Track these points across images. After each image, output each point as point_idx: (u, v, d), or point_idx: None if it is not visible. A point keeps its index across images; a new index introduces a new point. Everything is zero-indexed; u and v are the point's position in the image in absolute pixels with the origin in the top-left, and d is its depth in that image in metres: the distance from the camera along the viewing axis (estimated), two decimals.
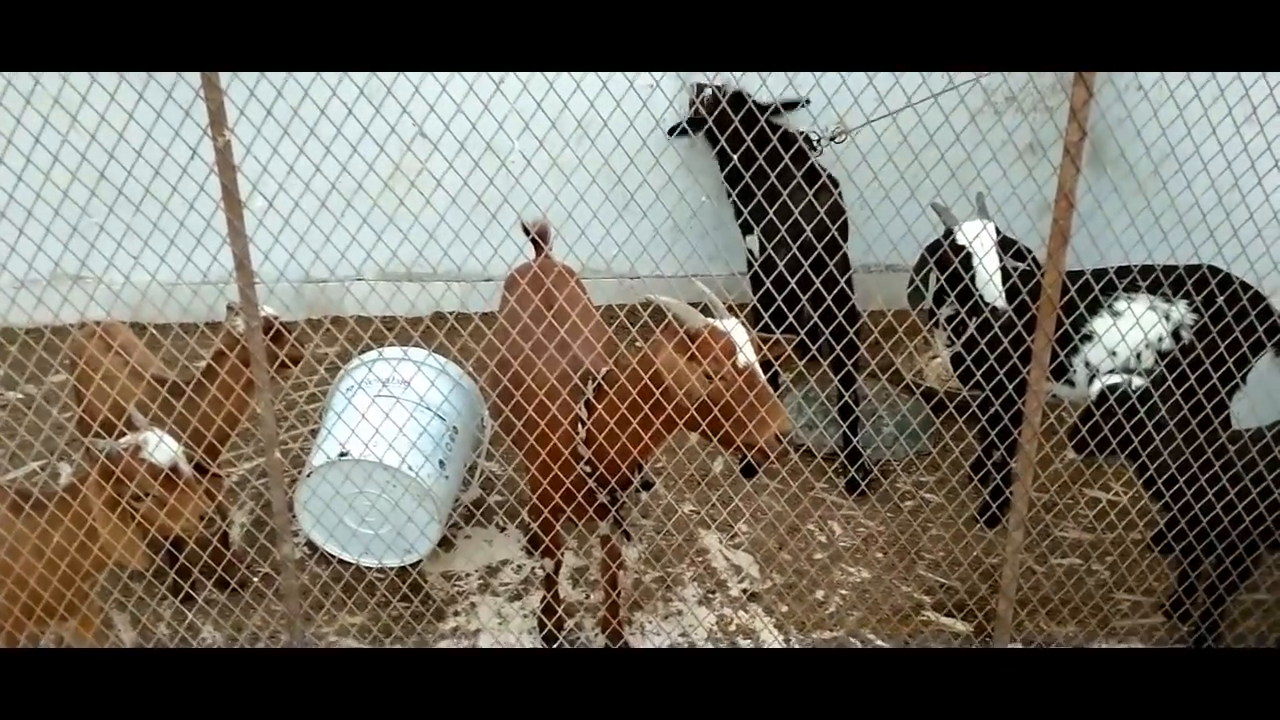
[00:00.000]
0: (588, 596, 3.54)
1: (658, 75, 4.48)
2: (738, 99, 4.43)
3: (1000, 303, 3.43)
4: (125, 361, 3.23)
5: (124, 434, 2.72)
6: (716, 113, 4.45)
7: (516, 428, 2.97)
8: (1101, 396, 3.03)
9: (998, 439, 3.52)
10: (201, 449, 3.02)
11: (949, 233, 3.54)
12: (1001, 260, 3.45)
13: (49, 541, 2.66)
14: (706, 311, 2.77)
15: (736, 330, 2.65)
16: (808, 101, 4.32)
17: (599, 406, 2.78)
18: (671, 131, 4.71)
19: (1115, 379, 3.05)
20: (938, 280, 3.57)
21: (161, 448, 2.62)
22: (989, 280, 3.42)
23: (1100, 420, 3.01)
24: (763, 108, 4.35)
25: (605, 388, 2.79)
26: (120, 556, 2.62)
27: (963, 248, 3.48)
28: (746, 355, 2.63)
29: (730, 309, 2.79)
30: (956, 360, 3.63)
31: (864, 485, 3.85)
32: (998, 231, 3.51)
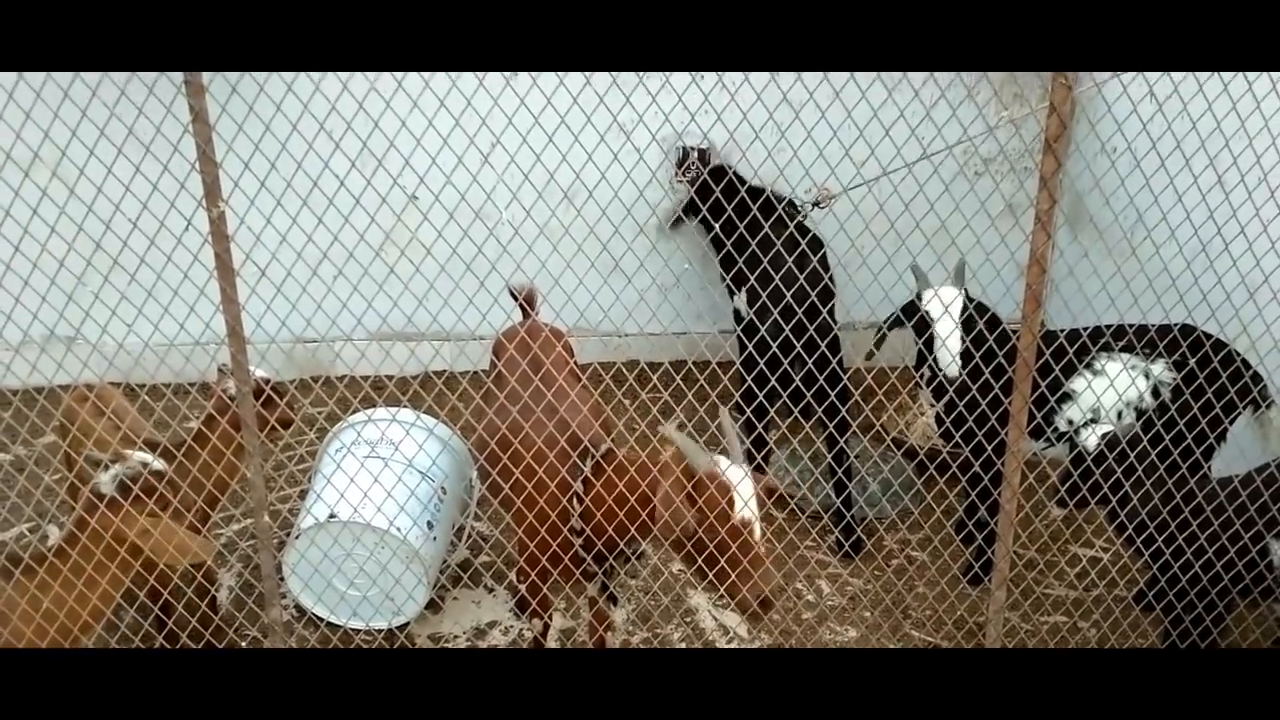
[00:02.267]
0: None
1: (640, 143, 4.60)
2: (718, 172, 4.55)
3: (953, 370, 3.44)
4: (117, 426, 3.26)
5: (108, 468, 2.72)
6: (699, 184, 4.57)
7: (504, 490, 3.00)
8: (1102, 445, 3.07)
9: (979, 498, 3.57)
10: (192, 513, 3.04)
11: (919, 296, 3.61)
12: (956, 329, 3.45)
13: (39, 604, 2.66)
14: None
15: (741, 481, 2.65)
16: (792, 203, 4.37)
17: (597, 485, 2.81)
18: (674, 225, 4.83)
19: (1109, 428, 3.11)
20: (916, 342, 3.64)
21: (156, 463, 2.66)
22: (943, 346, 3.45)
23: (1094, 469, 3.06)
24: (743, 180, 4.46)
25: (604, 466, 2.81)
26: (188, 555, 2.61)
27: (921, 313, 3.54)
28: (745, 510, 2.63)
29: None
30: (939, 420, 3.69)
31: (848, 546, 3.88)
32: (969, 299, 3.54)
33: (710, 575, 2.65)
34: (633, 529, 2.80)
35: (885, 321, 3.67)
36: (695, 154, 4.75)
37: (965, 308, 3.49)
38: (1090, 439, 3.12)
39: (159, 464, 2.67)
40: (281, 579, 3.71)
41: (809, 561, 3.95)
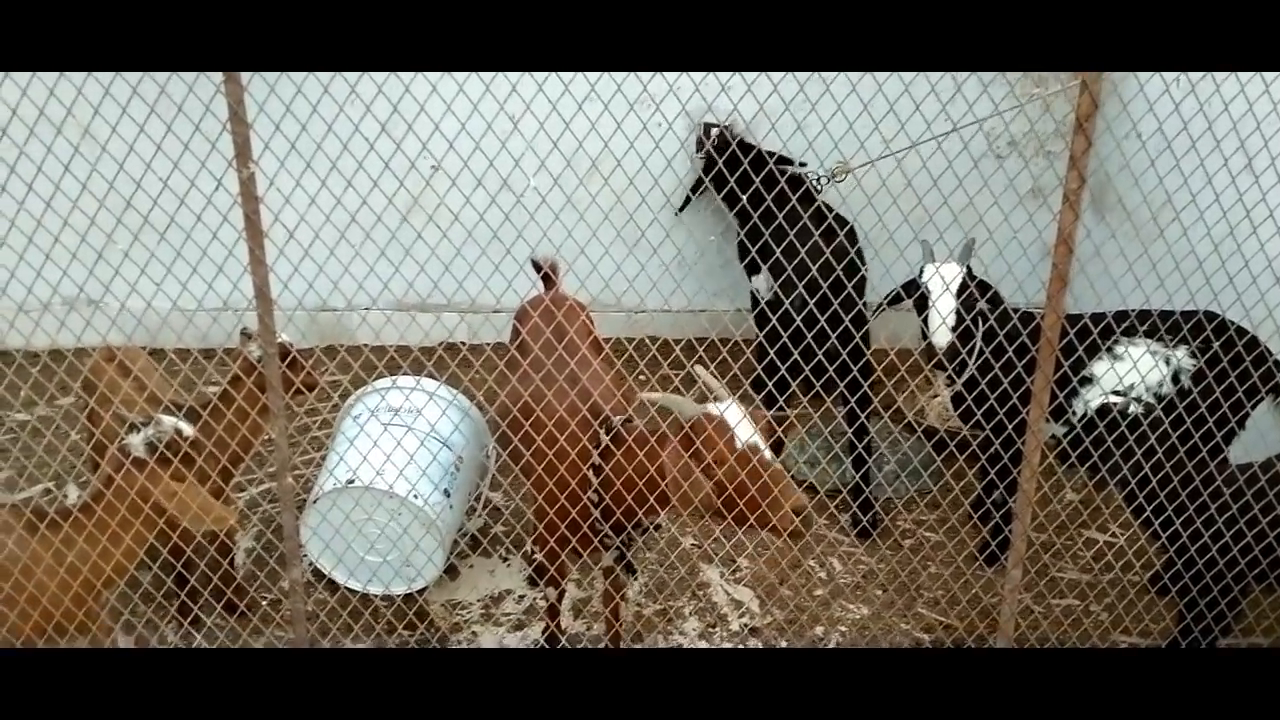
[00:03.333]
0: (589, 628, 3.57)
1: (669, 115, 4.59)
2: (743, 146, 4.53)
3: (940, 338, 3.40)
4: (142, 386, 3.29)
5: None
6: (726, 154, 4.55)
7: (525, 457, 3.02)
8: (1099, 412, 3.07)
9: (997, 478, 3.57)
10: (215, 475, 3.07)
11: (922, 271, 3.60)
12: (948, 300, 3.43)
13: (63, 559, 2.70)
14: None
15: (730, 412, 2.67)
16: (803, 164, 4.38)
17: (617, 454, 2.83)
18: (682, 208, 4.82)
19: (1112, 399, 3.10)
20: (916, 317, 3.63)
21: (185, 427, 2.69)
22: (938, 323, 3.44)
23: (1085, 435, 3.06)
24: (748, 148, 4.45)
25: (624, 435, 2.82)
26: (211, 518, 2.64)
27: (920, 287, 3.54)
28: (744, 436, 2.63)
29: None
30: (957, 399, 3.69)
31: (865, 522, 3.89)
32: (971, 277, 3.53)
33: (742, 510, 2.61)
34: (651, 499, 2.82)
35: (886, 297, 3.66)
36: (715, 131, 4.72)
37: (965, 285, 3.46)
38: (1086, 406, 3.11)
39: (188, 428, 2.69)
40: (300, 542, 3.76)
41: (822, 539, 3.96)
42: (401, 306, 4.94)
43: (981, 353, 3.49)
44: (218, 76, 2.21)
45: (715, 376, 2.86)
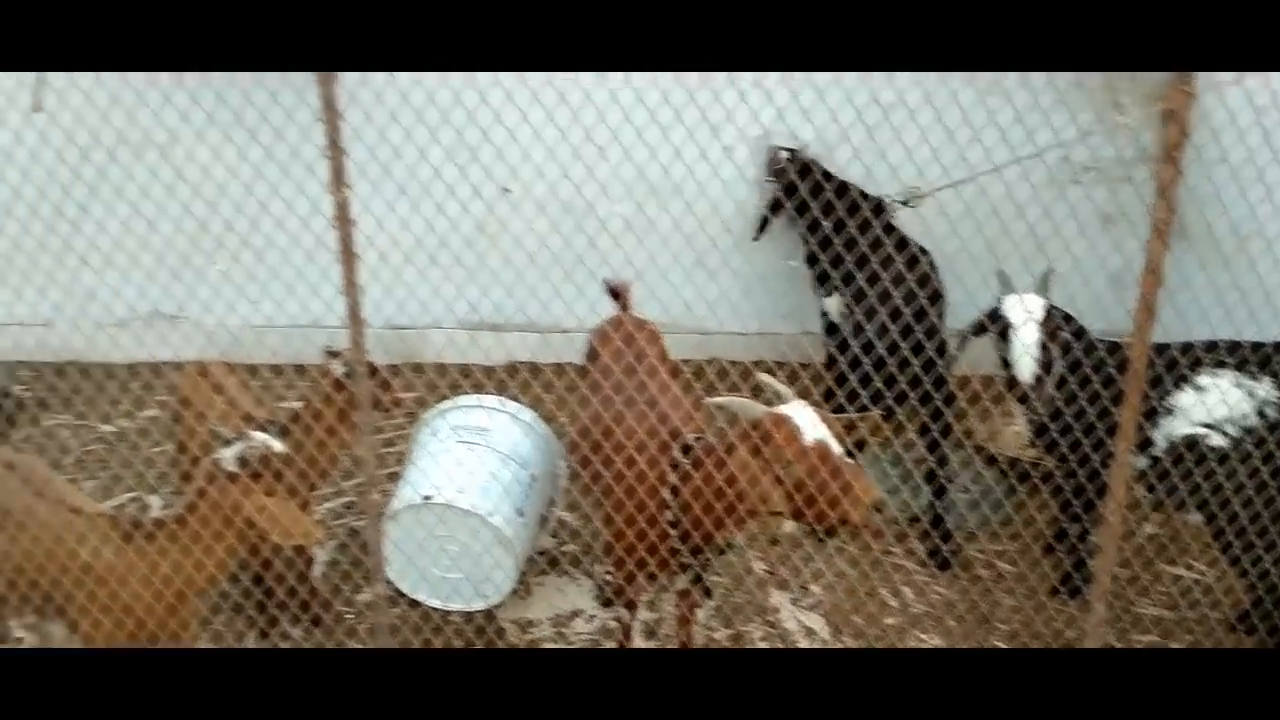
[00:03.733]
0: (661, 650, 3.57)
1: (737, 134, 4.61)
2: (805, 169, 4.51)
3: (1027, 376, 3.37)
4: (232, 401, 3.39)
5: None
6: (805, 179, 4.54)
7: (604, 478, 3.04)
8: (1185, 444, 3.01)
9: (1081, 509, 3.51)
10: (304, 488, 3.15)
11: (1002, 302, 3.57)
12: (1035, 335, 3.39)
13: (157, 568, 2.78)
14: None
15: (799, 412, 2.67)
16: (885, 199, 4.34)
17: (695, 476, 2.84)
18: (760, 232, 4.81)
19: (1198, 431, 3.04)
20: (998, 349, 3.59)
21: (275, 443, 2.76)
22: (1021, 352, 3.40)
23: (1170, 468, 3.00)
24: (830, 177, 4.43)
25: (702, 458, 2.84)
26: (298, 532, 2.72)
27: (1003, 318, 3.50)
28: (814, 434, 2.63)
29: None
30: (1039, 430, 3.64)
31: (945, 552, 3.85)
32: (1053, 309, 3.48)
33: (818, 508, 2.61)
34: (726, 513, 2.82)
35: (969, 327, 3.64)
36: (785, 155, 4.72)
37: (1049, 315, 3.43)
38: (1169, 438, 3.05)
39: (278, 445, 2.77)
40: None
41: (900, 567, 3.92)
42: (466, 326, 5.03)
43: (1065, 383, 3.45)
44: (313, 99, 2.28)
45: (782, 382, 2.86)
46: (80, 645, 2.89)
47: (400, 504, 3.54)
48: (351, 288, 2.36)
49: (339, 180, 2.21)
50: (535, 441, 3.79)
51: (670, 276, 4.54)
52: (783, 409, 2.66)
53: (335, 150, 2.26)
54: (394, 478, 4.28)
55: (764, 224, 4.85)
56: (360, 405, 2.48)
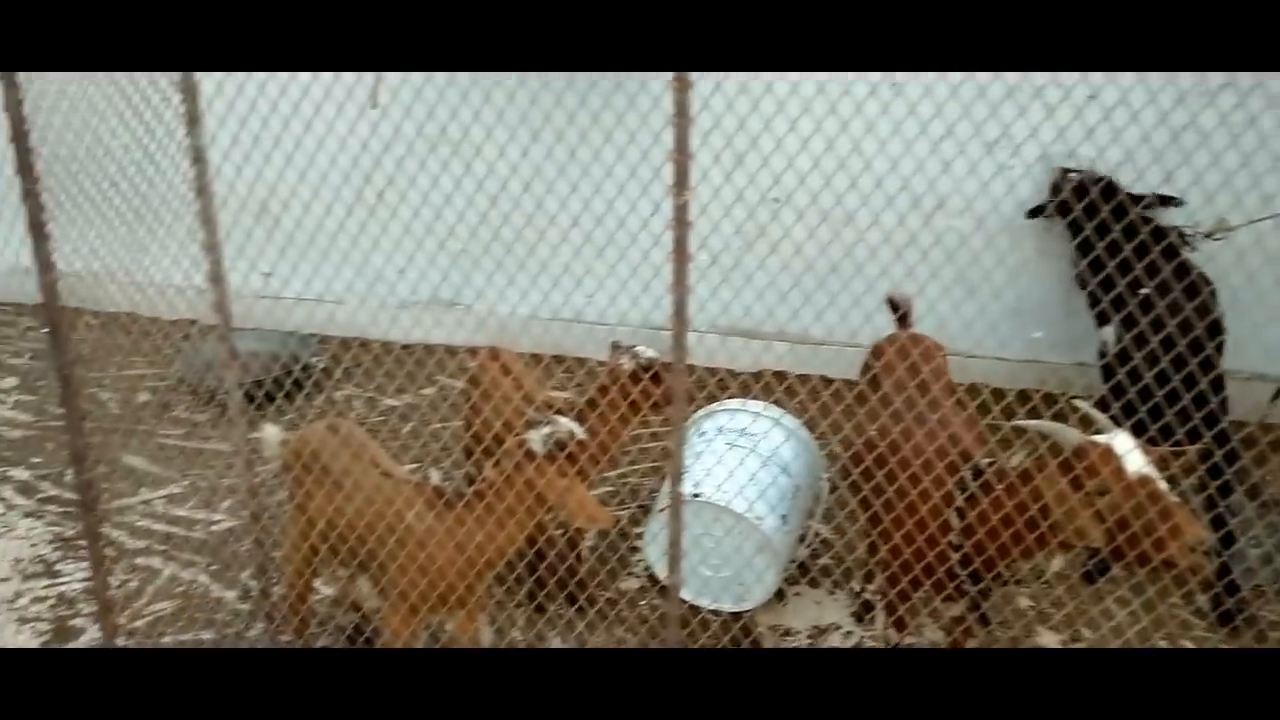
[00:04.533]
0: None
1: (1027, 159, 4.45)
2: (1109, 189, 4.32)
3: None
4: (520, 385, 3.57)
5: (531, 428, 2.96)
6: (1084, 201, 4.35)
7: (887, 494, 3.00)
8: None
9: None
10: (594, 473, 3.28)
11: None
12: None
13: (455, 536, 2.96)
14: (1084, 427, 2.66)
15: (1121, 442, 2.54)
16: (1183, 202, 4.15)
17: (984, 501, 2.76)
18: (1033, 213, 4.63)
19: None
20: None
21: (577, 429, 2.87)
22: None
23: None
24: (1135, 199, 4.22)
25: (993, 483, 2.76)
26: (591, 514, 2.85)
27: None
28: (1139, 466, 2.50)
29: (1114, 420, 2.69)
30: None
31: (1230, 607, 3.57)
32: None
33: (1134, 547, 2.48)
34: (1015, 550, 2.73)
35: None
36: (1075, 179, 4.51)
37: None
38: None
39: (579, 431, 2.89)
40: (637, 548, 3.94)
41: (1172, 616, 3.67)
42: (724, 331, 5.09)
43: None
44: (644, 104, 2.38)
45: (1094, 412, 2.73)
46: (382, 602, 3.11)
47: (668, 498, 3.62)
48: (679, 285, 2.41)
49: (682, 183, 2.27)
50: (799, 450, 3.79)
51: (930, 294, 4.44)
52: (1101, 438, 2.54)
53: (681, 154, 2.30)
54: (651, 473, 4.40)
55: (1039, 209, 4.65)
56: (674, 399, 2.54)
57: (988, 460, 2.87)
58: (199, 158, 2.76)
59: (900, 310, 3.65)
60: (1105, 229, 3.94)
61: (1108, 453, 2.49)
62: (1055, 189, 4.59)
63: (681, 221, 2.33)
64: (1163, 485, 2.47)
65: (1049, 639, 3.61)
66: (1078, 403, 2.76)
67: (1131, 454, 2.48)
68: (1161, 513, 2.43)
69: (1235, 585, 3.64)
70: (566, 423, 2.87)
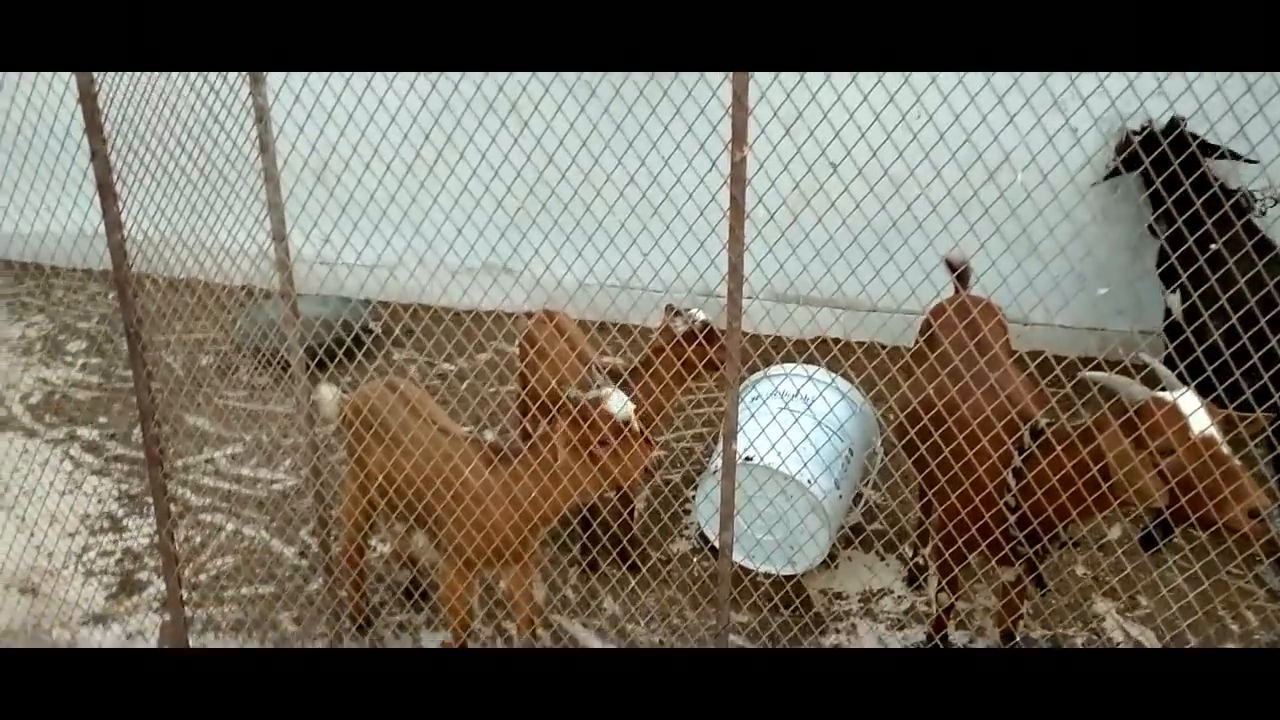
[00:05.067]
0: (971, 640, 3.47)
1: (1083, 121, 4.35)
2: (1181, 138, 4.21)
3: None
4: (573, 346, 3.59)
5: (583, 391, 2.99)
6: (1156, 152, 4.25)
7: (944, 453, 2.97)
8: None
9: None
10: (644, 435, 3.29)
11: None
12: None
13: (511, 490, 2.99)
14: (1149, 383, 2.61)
15: (1187, 400, 2.48)
16: (1255, 160, 4.05)
17: (1042, 461, 2.72)
18: (1107, 177, 4.55)
19: None
20: None
21: (618, 400, 2.88)
22: None
23: None
24: (1208, 149, 4.12)
25: (1053, 443, 2.72)
26: (582, 494, 2.88)
27: None
28: (1200, 425, 2.44)
29: (1181, 377, 2.63)
30: None
31: None
32: None
33: (1193, 508, 2.44)
34: (1074, 511, 2.69)
35: None
36: (1139, 137, 4.41)
37: None
38: None
39: (619, 405, 2.89)
40: (688, 510, 3.95)
41: (1243, 592, 3.60)
42: (779, 299, 5.06)
43: None
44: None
45: (1161, 368, 2.67)
46: (438, 557, 3.16)
47: (719, 460, 3.63)
48: (736, 244, 2.39)
49: (740, 140, 2.25)
50: (852, 414, 3.77)
51: (995, 260, 4.36)
52: (1168, 395, 2.49)
53: (740, 108, 2.27)
54: (703, 438, 4.41)
55: (1114, 172, 4.57)
56: (729, 359, 2.54)
57: (1047, 420, 2.83)
58: (262, 116, 2.80)
59: (958, 270, 3.60)
60: (1176, 181, 3.85)
61: (1173, 411, 2.44)
62: (1120, 149, 4.49)
63: (739, 179, 2.31)
64: (1226, 449, 2.42)
65: (1103, 605, 3.57)
66: (1144, 356, 2.71)
67: (1198, 414, 2.43)
68: (1225, 475, 2.38)
69: None
70: (619, 397, 2.87)
